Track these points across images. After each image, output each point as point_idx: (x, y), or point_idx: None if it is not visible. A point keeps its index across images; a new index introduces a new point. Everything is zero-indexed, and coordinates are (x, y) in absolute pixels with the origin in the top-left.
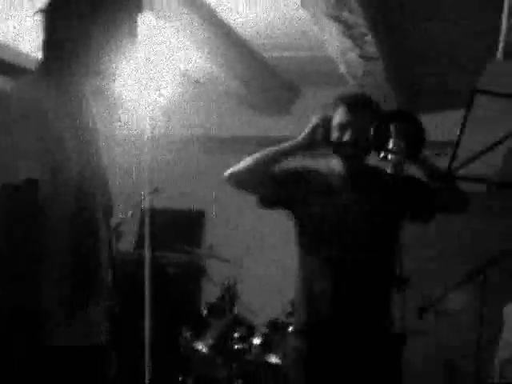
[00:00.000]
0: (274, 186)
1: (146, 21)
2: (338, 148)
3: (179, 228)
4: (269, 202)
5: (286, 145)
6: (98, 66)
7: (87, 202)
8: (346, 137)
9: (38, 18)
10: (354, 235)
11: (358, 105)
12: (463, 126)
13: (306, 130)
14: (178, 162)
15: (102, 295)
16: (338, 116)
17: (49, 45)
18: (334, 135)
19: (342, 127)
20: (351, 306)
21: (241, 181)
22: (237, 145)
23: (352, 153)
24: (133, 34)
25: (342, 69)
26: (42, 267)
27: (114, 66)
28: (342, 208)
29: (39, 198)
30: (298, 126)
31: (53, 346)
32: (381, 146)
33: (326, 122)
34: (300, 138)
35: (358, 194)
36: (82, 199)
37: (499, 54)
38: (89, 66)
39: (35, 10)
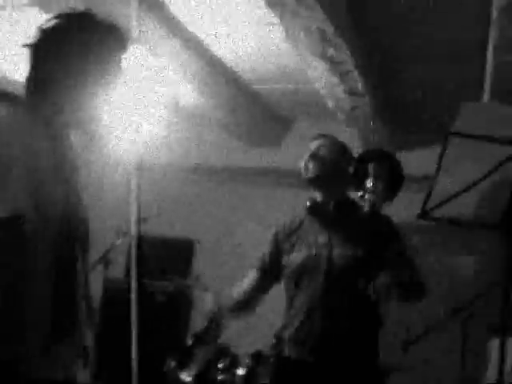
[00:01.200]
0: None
1: (134, 52)
2: (306, 183)
3: (168, 256)
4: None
5: None
6: (82, 104)
7: (68, 236)
8: (309, 171)
9: (26, 51)
10: (333, 274)
11: (319, 138)
12: (438, 166)
13: None
14: (168, 191)
15: (77, 329)
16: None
17: (33, 80)
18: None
19: (306, 162)
20: (335, 343)
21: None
22: (226, 175)
23: (318, 187)
24: (117, 71)
25: (330, 103)
26: (25, 302)
27: (98, 102)
28: (321, 247)
29: (24, 234)
30: (288, 157)
31: (30, 379)
32: (359, 184)
33: None
34: None
35: (330, 232)
36: (63, 234)
37: (485, 94)
38: (73, 104)
39: (25, 42)
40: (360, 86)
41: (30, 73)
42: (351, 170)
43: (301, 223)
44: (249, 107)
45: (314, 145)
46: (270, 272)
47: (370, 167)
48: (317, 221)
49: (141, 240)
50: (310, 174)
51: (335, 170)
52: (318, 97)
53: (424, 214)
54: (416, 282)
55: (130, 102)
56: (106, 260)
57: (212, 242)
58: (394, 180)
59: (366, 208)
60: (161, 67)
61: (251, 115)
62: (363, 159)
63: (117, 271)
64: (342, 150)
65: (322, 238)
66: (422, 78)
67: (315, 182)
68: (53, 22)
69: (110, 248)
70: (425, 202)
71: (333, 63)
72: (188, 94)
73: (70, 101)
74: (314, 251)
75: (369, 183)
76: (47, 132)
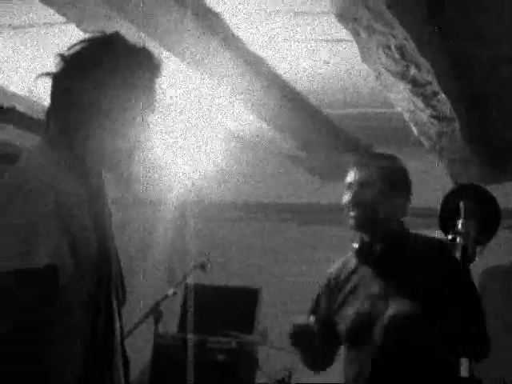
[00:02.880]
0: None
1: (190, 76)
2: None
3: (229, 308)
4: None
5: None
6: (116, 139)
7: (103, 285)
8: (346, 199)
9: (45, 79)
10: (390, 336)
11: (363, 162)
12: None
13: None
14: (228, 232)
15: None
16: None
17: (53, 114)
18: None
19: (346, 188)
20: None
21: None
22: (296, 213)
23: (357, 222)
24: (151, 98)
25: (414, 130)
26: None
27: (136, 135)
28: (374, 300)
29: (59, 284)
30: None
31: None
32: (448, 225)
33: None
34: None
35: (384, 279)
36: (98, 283)
37: None
38: (105, 140)
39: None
40: (449, 109)
41: (53, 106)
42: (405, 201)
43: (355, 268)
44: (321, 135)
45: (351, 177)
46: (323, 330)
47: (462, 205)
48: (368, 266)
49: (197, 289)
50: (348, 216)
51: (379, 204)
52: (399, 122)
53: None
54: (483, 334)
55: (184, 133)
56: (156, 313)
57: (279, 291)
58: (488, 220)
59: (457, 254)
60: (220, 93)
61: (324, 145)
62: (453, 196)
63: (169, 326)
64: (393, 176)
65: (375, 289)
66: None
67: (355, 224)
68: (77, 48)
69: (161, 299)
70: None
71: (416, 84)
72: (252, 122)
73: (101, 136)
74: (366, 305)
75: (460, 224)
76: (79, 175)
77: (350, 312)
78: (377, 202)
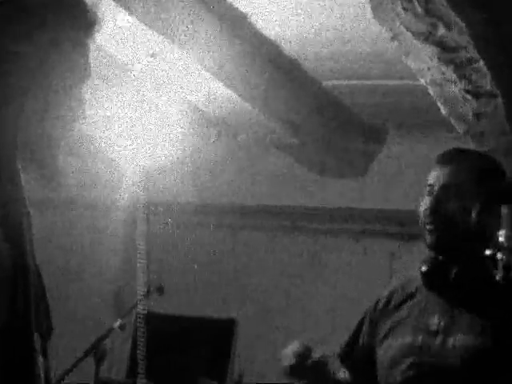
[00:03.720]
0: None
1: (144, 36)
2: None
3: (195, 346)
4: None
5: None
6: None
7: (19, 315)
8: (424, 206)
9: None
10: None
11: (445, 161)
12: None
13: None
14: (191, 244)
15: None
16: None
17: None
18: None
19: (426, 194)
20: None
21: None
22: (288, 219)
23: (438, 239)
24: (82, 70)
25: (443, 109)
26: None
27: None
28: (430, 334)
29: None
30: (377, 192)
31: None
32: (486, 238)
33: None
34: None
35: (448, 312)
36: (12, 311)
37: None
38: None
39: None
40: (489, 81)
41: None
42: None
43: (414, 292)
44: (319, 117)
45: (433, 178)
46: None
47: (504, 211)
48: (434, 294)
49: (152, 321)
50: (425, 230)
51: (465, 220)
52: (423, 99)
53: None
54: None
55: (137, 113)
56: (98, 352)
57: (262, 318)
58: None
59: (499, 274)
60: (185, 59)
61: (323, 129)
62: (495, 198)
63: (115, 369)
64: (483, 179)
65: (435, 320)
66: None
67: (435, 241)
68: None
69: (105, 333)
70: None
71: (445, 48)
72: (228, 99)
73: (14, 118)
74: (419, 339)
75: (502, 235)
76: None
77: (392, 346)
78: (466, 214)
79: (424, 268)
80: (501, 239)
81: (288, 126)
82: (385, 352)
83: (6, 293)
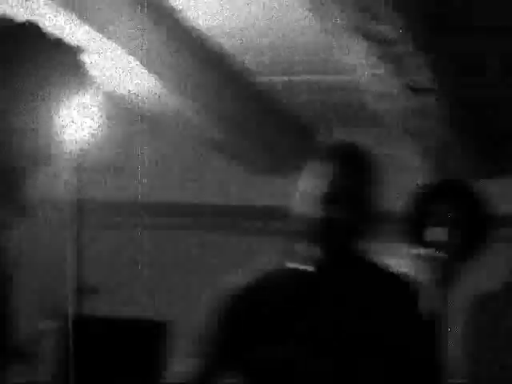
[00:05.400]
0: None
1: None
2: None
3: (127, 348)
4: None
5: None
6: None
7: None
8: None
9: None
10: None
11: (339, 156)
12: None
13: None
14: (121, 243)
15: None
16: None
17: None
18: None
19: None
20: None
21: None
22: (217, 218)
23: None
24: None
25: (376, 104)
26: None
27: None
28: (305, 337)
29: None
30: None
31: None
32: (414, 236)
33: None
34: None
35: (327, 310)
36: None
37: None
38: None
39: None
40: (426, 76)
41: None
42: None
43: (290, 297)
44: (249, 112)
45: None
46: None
47: (439, 208)
48: (305, 291)
49: (81, 323)
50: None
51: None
52: (358, 94)
53: None
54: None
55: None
56: (21, 356)
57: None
58: (476, 229)
59: (433, 274)
60: (102, 44)
61: (253, 125)
62: (429, 196)
63: (41, 374)
64: (367, 166)
65: (310, 322)
66: None
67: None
68: None
69: (29, 337)
70: None
71: (380, 42)
72: (152, 90)
73: None
74: (293, 351)
75: (439, 234)
76: None
77: (273, 352)
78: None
79: (309, 268)
80: (435, 237)
81: (217, 121)
82: (260, 359)
83: None
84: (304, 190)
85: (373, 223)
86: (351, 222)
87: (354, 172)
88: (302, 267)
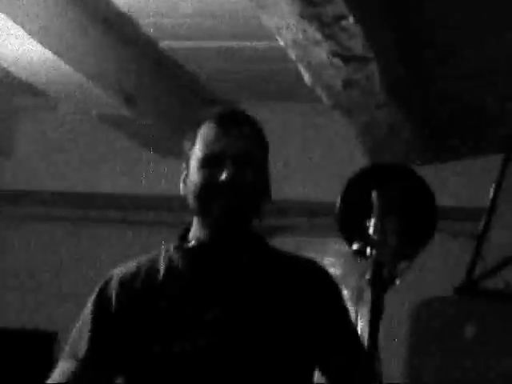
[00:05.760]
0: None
1: None
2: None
3: (13, 359)
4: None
5: None
6: None
7: None
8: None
9: None
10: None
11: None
12: (493, 199)
13: None
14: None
15: None
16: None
17: None
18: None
19: (206, 160)
20: None
21: None
22: (115, 210)
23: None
24: None
25: (306, 77)
26: None
27: None
28: (210, 331)
29: None
30: None
31: None
32: (352, 229)
33: None
34: None
35: (229, 300)
36: None
37: None
38: None
39: None
40: (360, 43)
41: None
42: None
43: (166, 280)
44: (153, 83)
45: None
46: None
47: (375, 197)
48: (201, 279)
49: None
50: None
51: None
52: (282, 63)
53: (468, 286)
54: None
55: None
56: None
57: None
58: (418, 221)
59: (369, 274)
60: None
61: (159, 98)
62: (361, 182)
63: None
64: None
65: (213, 314)
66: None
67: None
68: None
69: None
70: (471, 268)
71: (309, 2)
72: (46, 61)
73: None
74: (198, 338)
75: (371, 227)
76: None
77: (167, 349)
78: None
79: (190, 245)
80: (370, 231)
81: (117, 94)
82: (150, 359)
83: None
84: (188, 157)
85: (265, 199)
86: (237, 188)
87: (239, 135)
88: (185, 245)
